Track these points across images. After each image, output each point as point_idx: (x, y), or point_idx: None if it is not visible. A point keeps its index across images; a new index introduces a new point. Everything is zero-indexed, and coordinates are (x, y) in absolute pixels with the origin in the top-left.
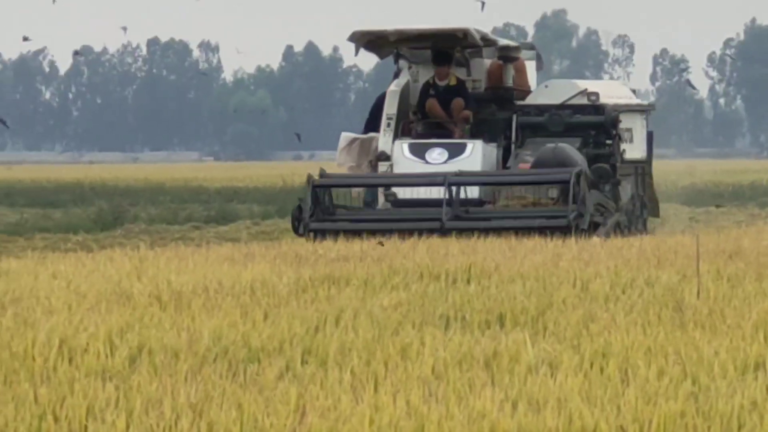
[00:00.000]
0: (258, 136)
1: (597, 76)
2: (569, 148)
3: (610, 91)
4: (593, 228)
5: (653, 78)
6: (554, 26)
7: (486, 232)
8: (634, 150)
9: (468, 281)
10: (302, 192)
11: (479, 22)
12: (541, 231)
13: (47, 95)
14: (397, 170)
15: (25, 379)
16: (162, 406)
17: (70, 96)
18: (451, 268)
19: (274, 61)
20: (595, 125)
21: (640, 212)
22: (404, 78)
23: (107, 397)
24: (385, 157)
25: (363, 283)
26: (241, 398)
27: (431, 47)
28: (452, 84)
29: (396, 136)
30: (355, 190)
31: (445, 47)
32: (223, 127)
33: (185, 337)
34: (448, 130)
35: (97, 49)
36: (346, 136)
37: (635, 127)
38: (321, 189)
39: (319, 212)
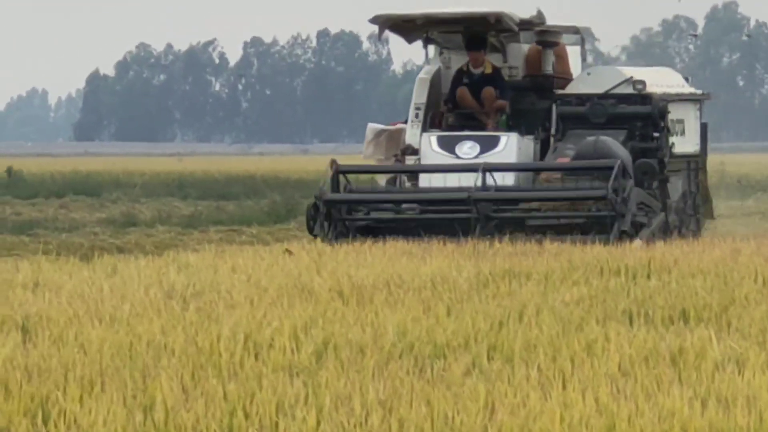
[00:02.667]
0: None
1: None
2: (612, 142)
3: (660, 79)
4: (637, 229)
5: None
6: (724, 19)
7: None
8: (685, 143)
9: (648, 276)
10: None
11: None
12: (582, 233)
13: (217, 87)
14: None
15: (213, 374)
16: (351, 403)
17: (240, 87)
18: (630, 262)
19: None
20: (642, 116)
21: (693, 211)
22: (435, 65)
23: (296, 394)
24: (412, 150)
25: (543, 277)
26: (430, 395)
27: (463, 31)
28: (487, 72)
29: (425, 128)
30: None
31: (479, 32)
32: (392, 118)
33: (370, 333)
34: (481, 121)
35: (267, 40)
36: (372, 128)
37: (687, 118)
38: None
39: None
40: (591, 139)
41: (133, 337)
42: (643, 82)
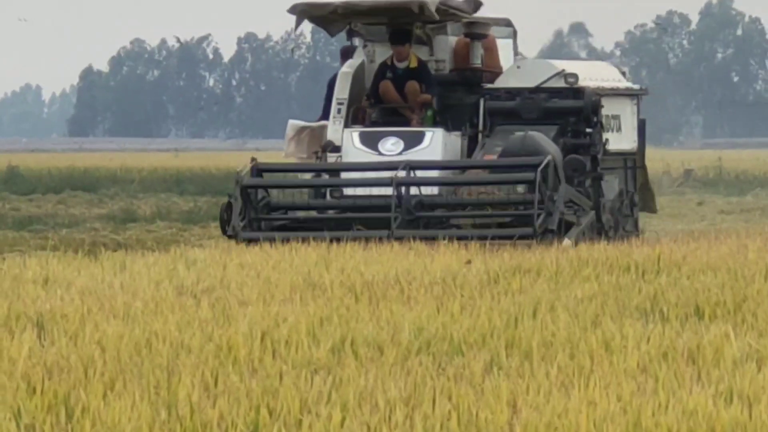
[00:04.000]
0: None
1: (762, 66)
2: (541, 137)
3: (594, 73)
4: (565, 229)
5: None
6: (718, 14)
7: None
8: (622, 140)
9: (658, 272)
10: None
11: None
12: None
13: (211, 82)
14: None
15: (233, 372)
16: (374, 400)
17: (234, 83)
18: (639, 259)
19: None
20: (574, 111)
21: (630, 211)
22: (358, 58)
23: (318, 391)
24: (333, 147)
25: (553, 274)
26: (452, 391)
27: (387, 23)
28: (412, 65)
29: (347, 124)
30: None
31: (402, 23)
32: None
33: (387, 330)
34: (405, 117)
35: (261, 36)
36: (293, 125)
37: (624, 114)
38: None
39: (251, 213)
40: (519, 134)
41: (150, 334)
42: (575, 75)
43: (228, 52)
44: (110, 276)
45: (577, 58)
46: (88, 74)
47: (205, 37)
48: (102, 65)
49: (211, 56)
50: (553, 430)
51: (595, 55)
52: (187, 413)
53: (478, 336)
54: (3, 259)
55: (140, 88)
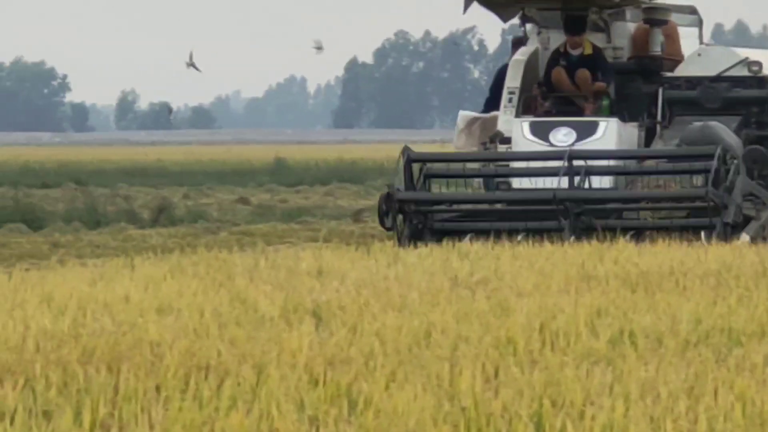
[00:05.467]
0: None
1: None
2: (720, 128)
3: None
4: (744, 222)
5: None
6: None
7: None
8: None
9: None
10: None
11: None
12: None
13: (475, 74)
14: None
15: (514, 363)
16: (656, 391)
17: None
18: None
19: None
20: (758, 101)
21: None
22: (532, 45)
23: (599, 382)
24: (503, 138)
25: None
26: (734, 382)
27: (561, 8)
28: (587, 53)
29: (518, 114)
30: (476, 182)
31: (577, 8)
32: None
33: (665, 321)
34: (579, 106)
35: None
36: (464, 116)
37: None
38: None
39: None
40: (697, 124)
41: (428, 325)
42: (759, 64)
43: (492, 44)
44: (384, 268)
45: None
46: (353, 66)
47: (470, 29)
48: (367, 57)
49: (476, 48)
50: None
51: None
52: (470, 404)
53: (757, 327)
54: (275, 251)
55: (404, 80)
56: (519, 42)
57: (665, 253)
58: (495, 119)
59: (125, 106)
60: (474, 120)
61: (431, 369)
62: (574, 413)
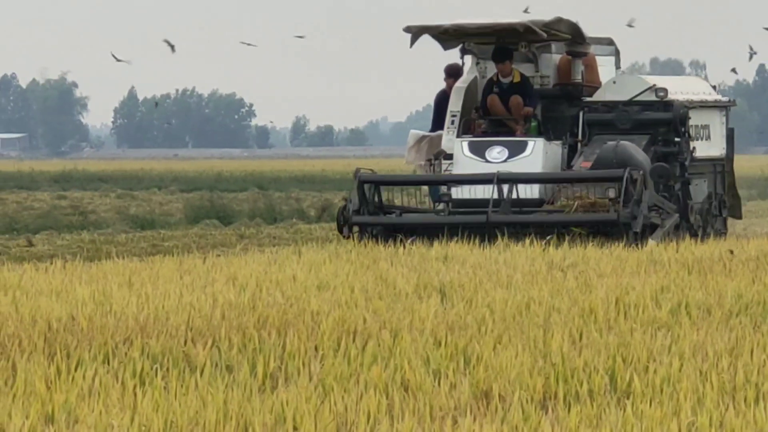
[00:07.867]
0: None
1: None
2: (631, 146)
3: (685, 87)
4: (650, 230)
5: None
6: None
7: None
8: (711, 147)
9: None
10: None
11: None
12: (594, 233)
13: None
14: (456, 169)
15: (594, 329)
16: (704, 351)
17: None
18: None
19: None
20: (664, 122)
21: (719, 212)
22: (471, 74)
23: (661, 344)
24: (446, 155)
25: None
26: (767, 345)
27: (495, 43)
28: (516, 81)
29: (458, 135)
30: (424, 190)
31: (508, 42)
32: None
33: (713, 296)
34: (511, 128)
35: None
36: (414, 134)
37: (713, 124)
38: (369, 185)
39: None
40: (611, 143)
41: (528, 299)
42: (665, 90)
43: None
44: (496, 254)
45: None
46: None
47: None
48: None
49: None
50: None
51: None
52: (559, 361)
53: None
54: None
55: None
56: (451, 69)
57: (715, 244)
58: (440, 137)
59: (298, 128)
60: (422, 138)
61: (529, 333)
62: (640, 368)
